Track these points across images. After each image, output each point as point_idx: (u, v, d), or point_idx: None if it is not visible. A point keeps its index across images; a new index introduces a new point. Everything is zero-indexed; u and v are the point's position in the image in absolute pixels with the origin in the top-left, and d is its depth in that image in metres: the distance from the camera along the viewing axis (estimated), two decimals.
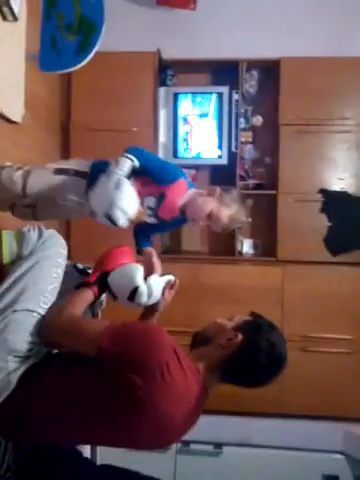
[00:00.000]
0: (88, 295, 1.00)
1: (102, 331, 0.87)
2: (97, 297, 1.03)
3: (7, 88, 1.55)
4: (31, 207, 1.33)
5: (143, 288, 1.02)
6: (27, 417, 0.90)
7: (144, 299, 1.02)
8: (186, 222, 1.29)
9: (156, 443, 0.93)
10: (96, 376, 0.88)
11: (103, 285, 1.03)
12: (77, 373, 0.91)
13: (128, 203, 1.12)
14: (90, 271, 1.12)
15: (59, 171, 1.24)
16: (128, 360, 0.84)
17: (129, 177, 1.17)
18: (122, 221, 1.14)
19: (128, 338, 0.86)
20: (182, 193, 1.23)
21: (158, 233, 1.46)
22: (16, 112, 1.65)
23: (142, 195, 1.19)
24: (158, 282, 1.05)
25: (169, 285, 1.09)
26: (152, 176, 1.20)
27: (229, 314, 0.99)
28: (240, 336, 0.91)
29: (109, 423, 0.88)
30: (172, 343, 0.88)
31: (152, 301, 1.05)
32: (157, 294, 1.04)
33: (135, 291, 1.02)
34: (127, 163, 1.15)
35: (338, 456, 2.13)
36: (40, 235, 1.04)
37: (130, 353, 0.84)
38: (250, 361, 0.91)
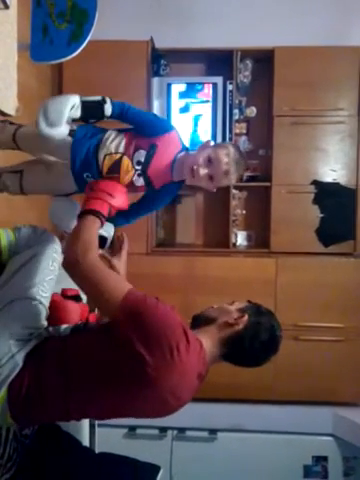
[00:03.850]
0: (98, 226, 1.01)
1: (122, 299, 0.89)
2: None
3: None
4: (18, 172, 1.27)
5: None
6: (38, 394, 0.93)
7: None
8: (179, 188, 1.19)
9: (159, 414, 0.98)
10: (104, 348, 0.92)
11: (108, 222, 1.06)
12: (84, 346, 0.95)
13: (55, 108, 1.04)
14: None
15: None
16: (141, 334, 0.87)
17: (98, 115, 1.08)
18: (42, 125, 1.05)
19: (144, 313, 0.89)
20: (175, 147, 1.12)
21: (147, 212, 1.27)
22: (9, 105, 1.61)
23: (131, 149, 1.11)
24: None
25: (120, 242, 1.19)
26: (140, 127, 1.12)
27: (229, 300, 1.05)
28: (246, 316, 0.98)
29: (115, 395, 0.92)
30: (182, 324, 0.92)
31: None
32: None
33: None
34: (96, 98, 1.08)
35: (327, 438, 2.22)
36: (35, 230, 1.10)
37: (144, 328, 0.87)
38: (253, 340, 0.98)
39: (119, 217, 1.15)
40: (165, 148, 1.12)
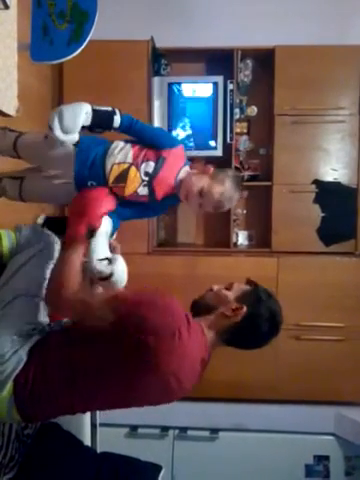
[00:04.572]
0: (82, 250, 1.02)
1: (117, 301, 0.91)
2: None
3: None
4: (19, 179, 1.29)
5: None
6: (43, 387, 0.94)
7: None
8: (177, 202, 1.24)
9: (162, 400, 0.99)
10: (107, 337, 0.93)
11: (91, 238, 1.05)
12: (87, 336, 0.96)
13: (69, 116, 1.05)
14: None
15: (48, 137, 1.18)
16: (144, 324, 0.88)
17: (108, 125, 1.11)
18: (57, 131, 1.07)
19: (143, 305, 0.90)
20: (181, 162, 1.18)
21: (137, 217, 1.30)
22: (10, 105, 1.61)
23: (139, 160, 1.15)
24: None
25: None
26: (148, 140, 1.15)
27: (227, 282, 1.05)
28: (245, 308, 0.98)
29: (119, 383, 0.93)
30: (183, 309, 0.94)
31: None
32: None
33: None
34: (107, 108, 1.12)
35: (329, 437, 2.22)
36: (35, 230, 1.14)
37: (146, 318, 0.88)
38: (254, 329, 0.99)
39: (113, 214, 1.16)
40: (172, 161, 1.16)
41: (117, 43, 2.22)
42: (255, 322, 0.98)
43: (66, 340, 0.98)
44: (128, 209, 1.20)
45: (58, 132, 1.06)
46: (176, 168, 1.17)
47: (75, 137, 1.09)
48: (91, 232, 1.03)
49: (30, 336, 0.99)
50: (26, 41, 1.63)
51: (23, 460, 1.21)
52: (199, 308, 1.02)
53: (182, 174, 1.19)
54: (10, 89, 1.61)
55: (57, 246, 1.14)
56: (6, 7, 1.47)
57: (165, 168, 1.15)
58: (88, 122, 1.10)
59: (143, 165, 1.14)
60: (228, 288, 1.03)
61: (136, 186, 1.15)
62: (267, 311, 0.99)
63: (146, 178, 1.15)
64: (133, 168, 1.14)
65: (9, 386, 0.93)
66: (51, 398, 0.95)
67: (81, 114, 1.07)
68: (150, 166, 1.14)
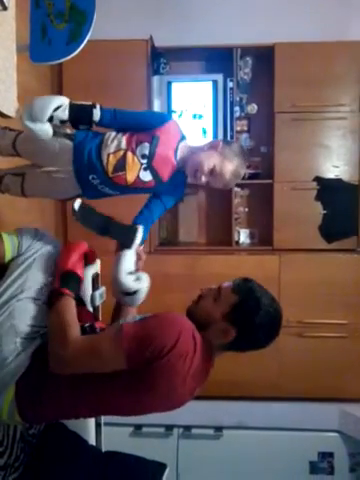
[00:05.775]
0: (70, 301, 0.98)
1: (121, 346, 0.88)
2: (75, 296, 1.01)
3: None
4: (20, 175, 1.27)
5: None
6: (45, 391, 0.94)
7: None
8: (186, 184, 1.19)
9: (163, 411, 0.99)
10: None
11: (70, 282, 1.01)
12: None
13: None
14: None
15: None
16: (155, 355, 0.87)
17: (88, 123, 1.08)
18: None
19: (149, 337, 0.89)
20: (175, 135, 1.14)
21: (161, 208, 1.22)
22: (9, 106, 1.62)
23: (133, 144, 1.11)
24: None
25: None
26: (138, 125, 1.12)
27: (216, 286, 1.00)
28: (234, 332, 0.95)
29: (126, 392, 0.92)
30: (191, 327, 0.92)
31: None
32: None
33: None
34: (86, 103, 1.08)
35: (333, 434, 2.22)
36: (36, 233, 1.12)
37: (154, 348, 0.87)
38: (250, 340, 0.98)
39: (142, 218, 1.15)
40: (167, 137, 1.13)
41: (116, 42, 2.21)
42: (250, 336, 0.97)
43: None
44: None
45: (24, 119, 1.05)
46: (173, 143, 1.13)
47: (44, 128, 1.06)
48: (67, 278, 1.00)
49: (33, 339, 0.99)
50: (25, 42, 1.63)
51: (28, 460, 1.21)
52: (194, 322, 0.99)
53: (183, 149, 1.14)
54: (10, 90, 1.62)
55: (58, 249, 1.13)
56: (4, 8, 1.48)
57: (161, 146, 1.11)
58: (65, 117, 1.07)
59: (138, 149, 1.11)
60: (216, 297, 0.98)
61: (136, 171, 1.12)
62: (260, 325, 0.94)
63: (144, 161, 1.11)
64: (129, 153, 1.10)
65: (11, 389, 0.93)
66: (53, 403, 0.94)
67: (51, 105, 1.04)
68: (145, 147, 1.10)
